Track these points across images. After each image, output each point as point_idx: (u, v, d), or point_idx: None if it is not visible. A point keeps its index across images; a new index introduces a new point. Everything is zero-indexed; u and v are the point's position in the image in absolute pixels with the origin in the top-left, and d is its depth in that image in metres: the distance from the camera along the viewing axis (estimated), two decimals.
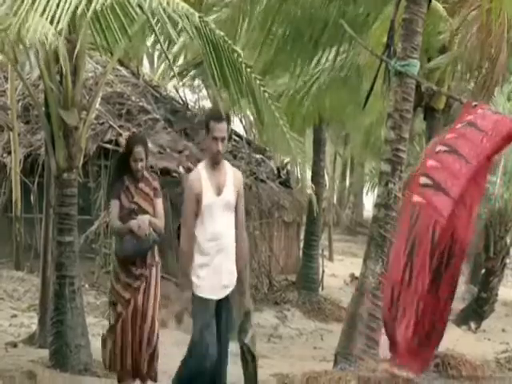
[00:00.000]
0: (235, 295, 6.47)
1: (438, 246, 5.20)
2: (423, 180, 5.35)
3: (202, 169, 6.37)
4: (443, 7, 9.88)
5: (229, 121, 6.32)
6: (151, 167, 13.78)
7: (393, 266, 5.39)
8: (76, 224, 8.57)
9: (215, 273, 6.30)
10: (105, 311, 12.83)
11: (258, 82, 6.00)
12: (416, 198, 5.32)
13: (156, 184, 7.36)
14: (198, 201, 6.22)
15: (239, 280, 6.44)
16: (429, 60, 10.61)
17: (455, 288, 5.46)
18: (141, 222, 7.10)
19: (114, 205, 7.23)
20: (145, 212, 7.23)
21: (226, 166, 6.43)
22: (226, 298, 6.39)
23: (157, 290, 7.33)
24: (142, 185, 7.27)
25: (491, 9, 7.54)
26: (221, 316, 6.37)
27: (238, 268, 6.41)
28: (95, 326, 10.95)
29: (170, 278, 13.32)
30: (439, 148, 5.44)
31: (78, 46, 7.59)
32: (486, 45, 8.79)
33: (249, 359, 6.46)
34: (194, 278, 6.28)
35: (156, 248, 7.38)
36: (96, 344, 9.54)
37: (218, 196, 6.28)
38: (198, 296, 6.30)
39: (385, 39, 7.70)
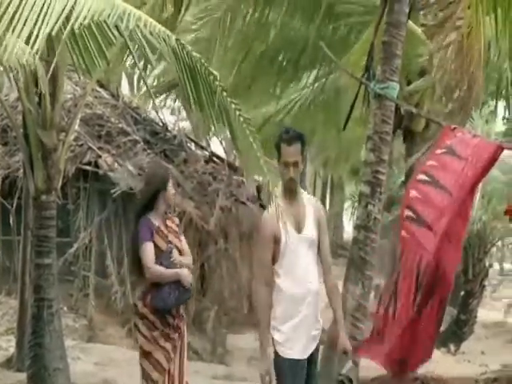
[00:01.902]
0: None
1: (422, 280, 5.23)
2: (406, 212, 5.38)
3: (283, 199, 5.51)
4: (422, 30, 9.95)
5: (303, 142, 5.49)
6: (130, 189, 13.77)
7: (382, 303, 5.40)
8: (54, 246, 8.53)
9: (303, 325, 5.41)
10: (83, 334, 12.76)
11: (233, 105, 5.99)
12: (403, 233, 5.36)
13: (177, 220, 6.83)
14: (276, 240, 5.36)
15: (334, 319, 5.67)
16: (408, 83, 10.67)
17: (440, 317, 5.49)
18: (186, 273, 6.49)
19: (148, 248, 6.41)
20: (179, 252, 6.59)
21: (304, 196, 5.60)
22: (313, 354, 5.50)
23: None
24: (169, 223, 6.65)
25: (469, 32, 7.60)
26: (309, 378, 5.46)
27: (333, 306, 5.60)
28: (74, 349, 10.88)
29: None
30: (420, 177, 5.46)
31: (56, 68, 7.58)
32: (464, 68, 8.85)
33: None
34: (275, 336, 5.36)
35: None
36: (74, 367, 9.49)
37: (299, 233, 5.42)
38: (283, 358, 5.35)
39: (364, 62, 7.74)
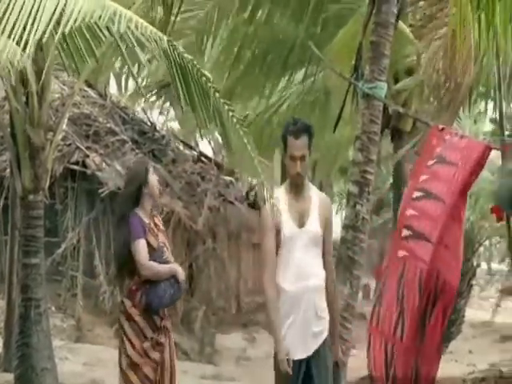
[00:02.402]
0: (329, 344, 5.29)
1: (424, 292, 5.22)
2: (404, 232, 5.37)
3: (281, 193, 5.28)
4: (410, 30, 9.97)
5: (311, 134, 5.26)
6: (118, 188, 13.73)
7: (385, 321, 5.38)
8: (42, 246, 8.49)
9: (301, 323, 5.12)
10: (71, 334, 12.74)
11: (226, 106, 5.98)
12: (400, 253, 5.34)
13: (160, 219, 6.55)
14: (277, 232, 5.12)
15: (329, 324, 5.30)
16: (396, 82, 10.68)
17: (445, 327, 5.47)
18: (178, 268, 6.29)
19: (142, 245, 6.11)
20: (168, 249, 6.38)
21: (312, 191, 5.33)
22: (318, 352, 5.17)
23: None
24: (156, 221, 6.38)
25: (457, 31, 7.61)
26: (313, 377, 5.14)
27: (330, 314, 5.30)
28: (61, 349, 10.86)
29: None
30: (415, 194, 5.45)
31: (45, 67, 7.55)
32: (452, 67, 8.86)
33: None
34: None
35: None
36: (62, 367, 9.47)
37: (300, 228, 5.16)
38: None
39: (346, 53, 7.74)
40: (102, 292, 13.55)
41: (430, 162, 5.52)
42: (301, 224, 5.17)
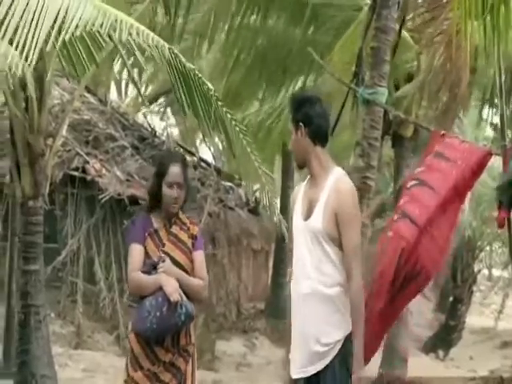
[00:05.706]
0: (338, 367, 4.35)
1: (402, 270, 5.19)
2: (395, 216, 5.37)
3: (307, 180, 4.63)
4: (409, 35, 9.96)
5: (293, 108, 4.60)
6: (118, 195, 13.71)
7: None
8: (42, 252, 8.47)
9: (299, 335, 4.49)
10: (71, 340, 12.71)
11: (229, 116, 5.97)
12: (389, 233, 5.32)
13: (197, 230, 5.14)
14: None
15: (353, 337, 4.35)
16: (396, 89, 10.68)
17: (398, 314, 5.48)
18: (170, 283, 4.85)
19: (135, 251, 4.97)
20: (180, 267, 4.99)
21: (330, 179, 4.46)
22: (318, 378, 4.35)
23: None
24: (176, 228, 5.07)
25: (456, 36, 7.59)
26: None
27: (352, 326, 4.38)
28: (61, 356, 10.83)
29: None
30: (410, 183, 5.46)
31: (45, 73, 7.54)
32: (449, 73, 8.86)
33: None
34: None
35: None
36: (62, 374, 9.44)
37: (305, 221, 4.44)
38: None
39: (346, 61, 7.74)
40: (101, 298, 13.52)
41: (428, 158, 5.54)
42: (307, 216, 4.44)
